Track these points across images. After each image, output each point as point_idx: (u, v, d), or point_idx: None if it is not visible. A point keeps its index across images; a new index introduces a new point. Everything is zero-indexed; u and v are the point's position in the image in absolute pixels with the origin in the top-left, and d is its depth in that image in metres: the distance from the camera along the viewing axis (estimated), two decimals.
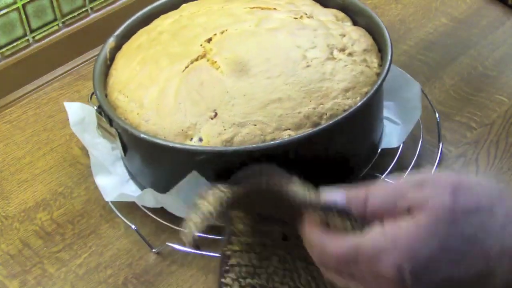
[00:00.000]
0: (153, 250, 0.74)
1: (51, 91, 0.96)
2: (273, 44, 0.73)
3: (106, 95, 0.76)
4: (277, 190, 0.57)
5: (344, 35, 0.76)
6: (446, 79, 0.91)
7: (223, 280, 0.64)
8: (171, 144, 0.68)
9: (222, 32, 0.75)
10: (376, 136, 0.77)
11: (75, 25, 1.00)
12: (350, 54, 0.74)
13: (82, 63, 1.00)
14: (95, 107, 0.76)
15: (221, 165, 0.69)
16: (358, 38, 0.76)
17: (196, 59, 0.74)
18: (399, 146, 0.79)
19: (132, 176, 0.79)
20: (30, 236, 0.77)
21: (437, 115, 0.84)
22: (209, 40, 0.75)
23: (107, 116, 0.73)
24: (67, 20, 0.99)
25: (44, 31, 0.97)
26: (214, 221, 0.59)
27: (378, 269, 0.50)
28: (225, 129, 0.69)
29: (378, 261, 0.50)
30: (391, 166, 0.77)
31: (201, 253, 0.73)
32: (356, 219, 0.53)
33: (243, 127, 0.69)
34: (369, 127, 0.75)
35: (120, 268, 0.73)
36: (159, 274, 0.72)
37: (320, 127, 0.68)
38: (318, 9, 0.81)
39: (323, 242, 0.54)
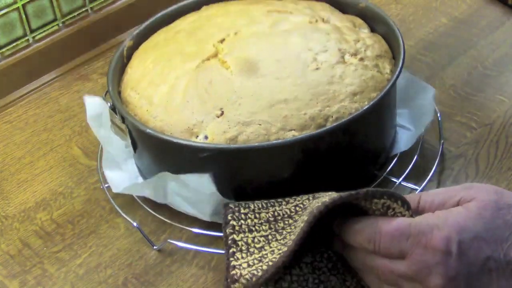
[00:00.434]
0: (154, 248, 0.74)
1: (51, 91, 0.96)
2: (285, 46, 0.74)
3: (119, 92, 0.77)
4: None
5: (358, 41, 0.76)
6: (446, 79, 0.91)
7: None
8: (175, 140, 0.69)
9: (235, 33, 0.76)
10: (387, 142, 0.77)
11: (75, 25, 1.00)
12: (361, 59, 0.74)
13: (82, 63, 1.00)
14: (109, 104, 0.77)
15: (225, 163, 0.70)
16: (372, 44, 0.76)
17: (207, 59, 0.75)
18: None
19: (141, 173, 0.79)
20: (30, 236, 0.78)
21: (438, 114, 0.83)
22: (222, 40, 0.76)
23: (119, 112, 0.74)
24: (67, 20, 0.99)
25: (44, 31, 0.97)
26: None
27: (430, 241, 0.57)
28: (230, 128, 0.69)
29: (430, 234, 0.57)
30: (391, 166, 0.77)
31: (202, 251, 0.73)
32: (412, 214, 0.60)
33: (248, 126, 0.69)
34: (377, 132, 0.75)
35: (120, 268, 0.73)
36: (159, 274, 0.72)
37: (324, 128, 0.68)
38: (336, 15, 0.81)
39: (376, 222, 0.59)
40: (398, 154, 0.78)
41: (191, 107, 0.71)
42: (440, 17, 1.02)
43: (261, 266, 0.61)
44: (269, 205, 0.66)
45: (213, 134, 0.70)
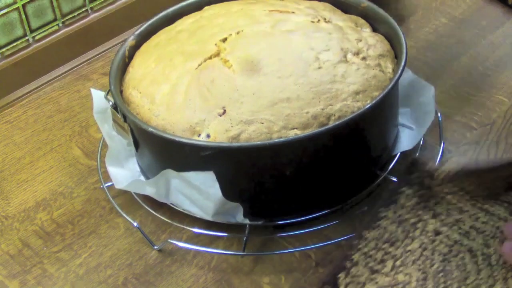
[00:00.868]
0: (155, 248, 0.74)
1: (51, 91, 0.96)
2: (287, 45, 0.74)
3: (121, 92, 0.78)
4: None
5: (360, 40, 0.76)
6: (446, 79, 0.91)
7: None
8: (177, 139, 0.69)
9: (237, 33, 0.76)
10: (389, 141, 0.78)
11: (75, 25, 1.00)
12: (364, 58, 0.74)
13: (82, 63, 1.00)
14: (111, 103, 0.77)
15: (227, 161, 0.70)
16: (374, 44, 0.76)
17: (210, 58, 0.75)
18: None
19: (143, 172, 0.79)
20: (30, 236, 0.78)
21: (438, 114, 0.84)
22: (224, 39, 0.76)
23: (120, 111, 0.74)
24: (67, 20, 0.99)
25: (44, 31, 0.97)
26: None
27: None
28: (232, 126, 0.70)
29: None
30: (391, 166, 0.77)
31: (202, 251, 0.73)
32: None
33: (250, 125, 0.69)
34: (379, 130, 0.75)
35: (120, 268, 0.73)
36: (159, 274, 0.72)
37: (326, 127, 0.68)
38: (338, 15, 0.81)
39: None
40: (399, 154, 0.78)
41: (193, 106, 0.72)
42: (440, 17, 1.02)
43: None
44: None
45: (215, 132, 0.70)
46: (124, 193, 0.80)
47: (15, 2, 0.93)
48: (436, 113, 0.83)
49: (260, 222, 0.74)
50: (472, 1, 1.03)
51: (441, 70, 0.93)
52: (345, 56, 0.74)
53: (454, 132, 0.84)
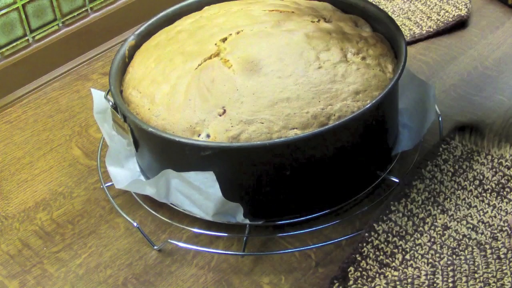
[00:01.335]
0: (155, 248, 0.74)
1: (51, 91, 0.96)
2: (287, 45, 0.74)
3: (121, 92, 0.78)
4: None
5: (360, 40, 0.76)
6: (446, 79, 0.91)
7: None
8: (177, 139, 0.69)
9: (237, 32, 0.76)
10: (389, 141, 0.78)
11: (75, 25, 1.00)
12: (364, 58, 0.74)
13: (82, 63, 1.00)
14: (111, 103, 0.77)
15: (227, 161, 0.70)
16: (374, 43, 0.76)
17: (210, 58, 0.74)
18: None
19: (143, 172, 0.79)
20: (30, 236, 0.77)
21: (438, 114, 0.83)
22: (224, 39, 0.76)
23: (120, 111, 0.74)
24: (67, 20, 0.99)
25: (44, 31, 0.97)
26: None
27: None
28: (232, 126, 0.69)
29: None
30: (391, 166, 0.77)
31: (202, 251, 0.73)
32: None
33: (250, 125, 0.69)
34: (379, 130, 0.75)
35: (120, 268, 0.73)
36: (159, 274, 0.72)
37: (326, 127, 0.68)
38: (338, 15, 0.81)
39: None
40: (399, 154, 0.78)
41: (193, 106, 0.72)
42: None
43: None
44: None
45: (215, 132, 0.70)
46: (124, 193, 0.80)
47: (15, 2, 0.93)
48: (436, 113, 0.83)
49: (260, 222, 0.74)
50: (472, 1, 1.03)
51: (441, 70, 0.93)
52: (345, 56, 0.74)
53: None
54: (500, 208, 0.72)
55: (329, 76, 0.72)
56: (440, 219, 0.71)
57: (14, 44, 0.95)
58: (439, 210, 0.72)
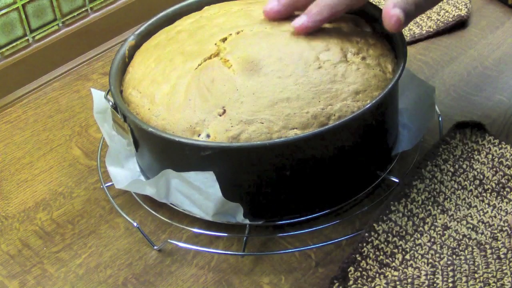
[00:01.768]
0: (155, 248, 0.74)
1: (51, 91, 0.96)
2: (287, 45, 0.74)
3: (121, 92, 0.78)
4: None
5: (360, 40, 0.76)
6: (446, 79, 0.91)
7: None
8: (177, 139, 0.69)
9: (237, 33, 0.76)
10: (389, 141, 0.78)
11: (75, 25, 1.00)
12: (364, 58, 0.74)
13: (82, 63, 1.00)
14: (111, 103, 0.77)
15: (227, 161, 0.70)
16: (374, 43, 0.76)
17: (209, 57, 0.74)
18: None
19: (143, 172, 0.79)
20: (30, 236, 0.77)
21: (438, 114, 0.83)
22: (224, 39, 0.76)
23: (120, 111, 0.74)
24: (67, 20, 0.99)
25: (44, 31, 0.97)
26: None
27: None
28: (232, 126, 0.70)
29: None
30: (391, 166, 0.77)
31: (202, 251, 0.73)
32: None
33: (250, 125, 0.69)
34: (379, 130, 0.75)
35: (120, 268, 0.73)
36: (159, 274, 0.72)
37: (326, 127, 0.68)
38: None
39: None
40: (399, 154, 0.78)
41: (193, 106, 0.72)
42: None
43: None
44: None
45: (215, 132, 0.70)
46: (124, 193, 0.80)
47: (15, 2, 0.93)
48: (436, 113, 0.83)
49: (260, 222, 0.74)
50: (472, 1, 1.03)
51: (441, 70, 0.93)
52: (345, 56, 0.74)
53: None
54: (500, 208, 0.72)
55: (329, 76, 0.72)
56: (440, 219, 0.71)
57: (14, 44, 0.95)
58: (439, 210, 0.72)
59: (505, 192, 0.73)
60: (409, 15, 0.70)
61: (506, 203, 0.72)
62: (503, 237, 0.68)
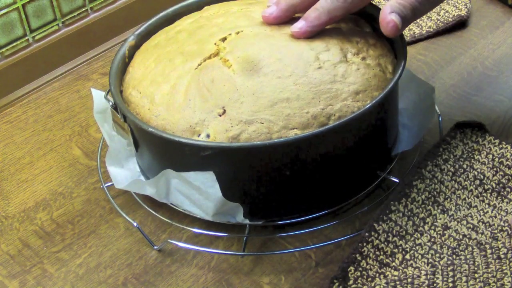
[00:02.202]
0: (155, 248, 0.74)
1: (51, 91, 0.96)
2: (287, 46, 0.74)
3: (121, 92, 0.78)
4: None
5: (360, 40, 0.76)
6: (446, 79, 0.91)
7: None
8: (177, 139, 0.69)
9: (237, 33, 0.76)
10: (389, 141, 0.78)
11: (75, 25, 1.00)
12: (364, 58, 0.74)
13: (82, 63, 1.00)
14: (111, 103, 0.77)
15: (227, 161, 0.70)
16: (374, 43, 0.76)
17: (209, 57, 0.74)
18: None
19: (143, 172, 0.79)
20: (30, 236, 0.78)
21: (438, 114, 0.83)
22: (224, 39, 0.76)
23: (120, 111, 0.74)
24: (67, 20, 0.99)
25: (44, 31, 0.97)
26: None
27: None
28: (232, 126, 0.70)
29: None
30: (391, 166, 0.77)
31: (202, 251, 0.73)
32: None
33: (250, 125, 0.69)
34: (379, 130, 0.75)
35: (120, 268, 0.73)
36: (159, 274, 0.72)
37: (326, 127, 0.68)
38: None
39: None
40: (399, 154, 0.78)
41: (193, 106, 0.72)
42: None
43: None
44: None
45: (215, 132, 0.70)
46: (124, 193, 0.80)
47: (15, 2, 0.93)
48: (436, 113, 0.83)
49: (260, 222, 0.74)
50: (472, 1, 1.03)
51: (441, 70, 0.93)
52: (345, 56, 0.74)
53: None
54: (500, 208, 0.72)
55: (329, 76, 0.72)
56: (440, 219, 0.71)
57: (14, 44, 0.95)
58: (439, 210, 0.72)
59: (505, 192, 0.73)
60: (406, 20, 0.70)
61: (507, 203, 0.72)
62: (503, 237, 0.68)
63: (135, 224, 0.75)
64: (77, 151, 0.87)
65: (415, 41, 0.97)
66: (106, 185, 0.80)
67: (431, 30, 0.98)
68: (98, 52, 1.02)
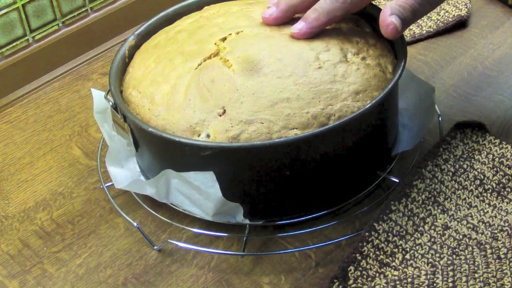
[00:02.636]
0: (155, 248, 0.74)
1: (51, 91, 0.96)
2: (287, 46, 0.74)
3: (121, 92, 0.78)
4: None
5: (360, 40, 0.76)
6: (446, 79, 0.91)
7: None
8: (177, 139, 0.69)
9: (237, 33, 0.76)
10: (389, 141, 0.78)
11: (75, 25, 1.00)
12: (364, 58, 0.74)
13: (82, 63, 1.00)
14: (111, 103, 0.77)
15: (227, 161, 0.70)
16: (374, 44, 0.76)
17: (209, 57, 0.75)
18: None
19: (143, 172, 0.79)
20: (30, 236, 0.78)
21: (438, 114, 0.83)
22: (224, 39, 0.76)
23: (120, 111, 0.74)
24: (67, 20, 0.99)
25: (44, 31, 0.97)
26: None
27: None
28: (232, 126, 0.70)
29: None
30: (391, 166, 0.77)
31: (202, 251, 0.73)
32: None
33: (250, 125, 0.69)
34: (379, 130, 0.75)
35: (120, 268, 0.73)
36: (159, 274, 0.72)
37: (326, 127, 0.68)
38: None
39: None
40: (399, 154, 0.78)
41: (193, 106, 0.72)
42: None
43: None
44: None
45: (215, 132, 0.70)
46: (124, 193, 0.80)
47: (15, 2, 0.93)
48: (436, 113, 0.83)
49: (260, 222, 0.74)
50: (472, 1, 1.03)
51: (441, 70, 0.93)
52: (345, 56, 0.74)
53: None
54: (500, 208, 0.72)
55: (329, 76, 0.72)
56: (440, 219, 0.71)
57: (14, 44, 0.95)
58: (439, 210, 0.72)
59: (505, 192, 0.73)
60: (406, 22, 0.70)
61: (507, 203, 0.72)
62: (503, 237, 0.68)
63: (135, 224, 0.75)
64: (77, 151, 0.87)
65: (415, 41, 0.97)
66: (106, 185, 0.80)
67: (431, 30, 0.98)
68: (98, 52, 1.02)
